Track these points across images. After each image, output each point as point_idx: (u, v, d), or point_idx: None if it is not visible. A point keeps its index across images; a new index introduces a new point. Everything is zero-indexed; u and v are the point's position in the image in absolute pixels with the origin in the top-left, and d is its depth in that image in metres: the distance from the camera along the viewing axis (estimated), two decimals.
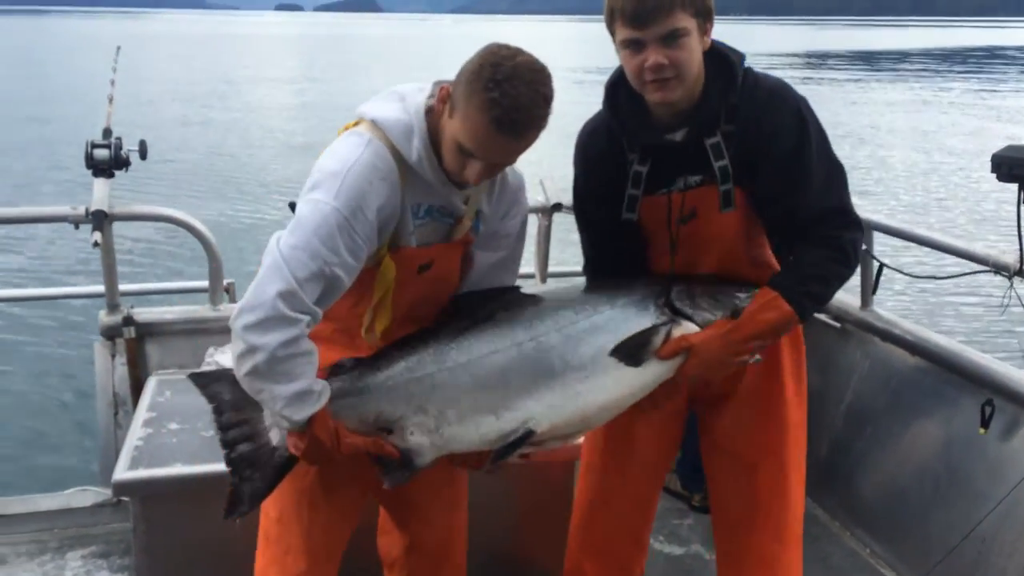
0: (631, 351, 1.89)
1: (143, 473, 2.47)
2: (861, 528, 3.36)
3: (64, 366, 6.29)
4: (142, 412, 2.84)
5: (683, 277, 2.01)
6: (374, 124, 1.86)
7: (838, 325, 3.70)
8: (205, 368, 3.12)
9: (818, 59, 58.48)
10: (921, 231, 3.41)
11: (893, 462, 3.32)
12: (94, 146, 3.14)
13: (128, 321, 3.24)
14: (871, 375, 3.53)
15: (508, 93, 1.70)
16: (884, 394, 3.44)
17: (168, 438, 2.66)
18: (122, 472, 2.48)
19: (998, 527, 2.84)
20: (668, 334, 1.91)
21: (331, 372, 1.91)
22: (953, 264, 3.09)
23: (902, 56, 63.61)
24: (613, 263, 2.12)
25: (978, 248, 2.98)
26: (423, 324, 2.01)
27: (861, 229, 1.99)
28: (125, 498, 3.06)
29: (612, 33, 1.89)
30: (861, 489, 3.43)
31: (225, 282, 3.40)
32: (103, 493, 3.25)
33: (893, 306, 6.01)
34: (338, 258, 1.76)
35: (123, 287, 3.37)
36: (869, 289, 3.54)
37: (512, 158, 1.84)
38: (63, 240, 9.08)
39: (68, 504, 3.24)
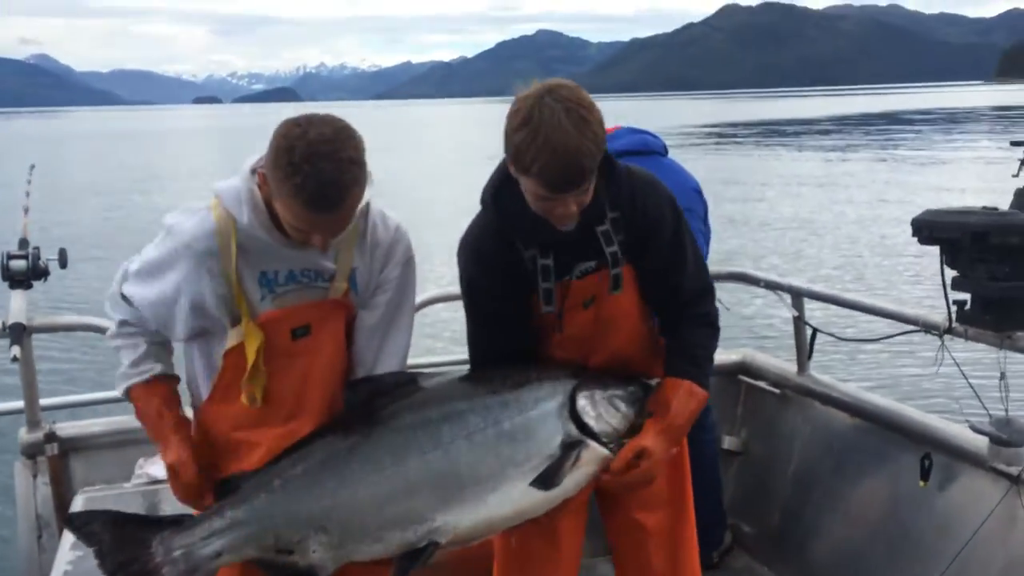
0: (547, 479, 1.90)
1: None
2: None
3: None
4: (68, 537, 2.66)
5: (582, 378, 2.04)
6: (217, 195, 1.94)
7: (777, 391, 3.74)
8: (117, 490, 2.96)
9: (729, 129, 60.87)
10: (851, 296, 3.50)
11: (844, 524, 3.33)
12: (10, 257, 3.03)
13: (50, 437, 3.07)
14: (813, 439, 3.56)
15: (310, 174, 1.72)
16: (828, 457, 3.47)
17: None
18: None
19: None
20: (578, 456, 1.93)
21: (219, 493, 1.88)
22: (885, 325, 3.16)
23: (806, 124, 66.63)
24: (506, 353, 2.12)
25: (908, 310, 3.05)
26: (322, 412, 1.98)
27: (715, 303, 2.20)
28: None
29: (515, 173, 1.88)
30: (815, 554, 3.42)
31: None
32: None
33: (830, 367, 6.12)
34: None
35: (45, 401, 3.20)
36: (805, 355, 3.59)
37: (344, 224, 1.86)
38: None
39: None
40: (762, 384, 3.81)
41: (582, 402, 1.97)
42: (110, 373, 2.14)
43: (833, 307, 3.58)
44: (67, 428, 3.14)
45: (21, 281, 3.03)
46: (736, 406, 3.96)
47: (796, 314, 3.51)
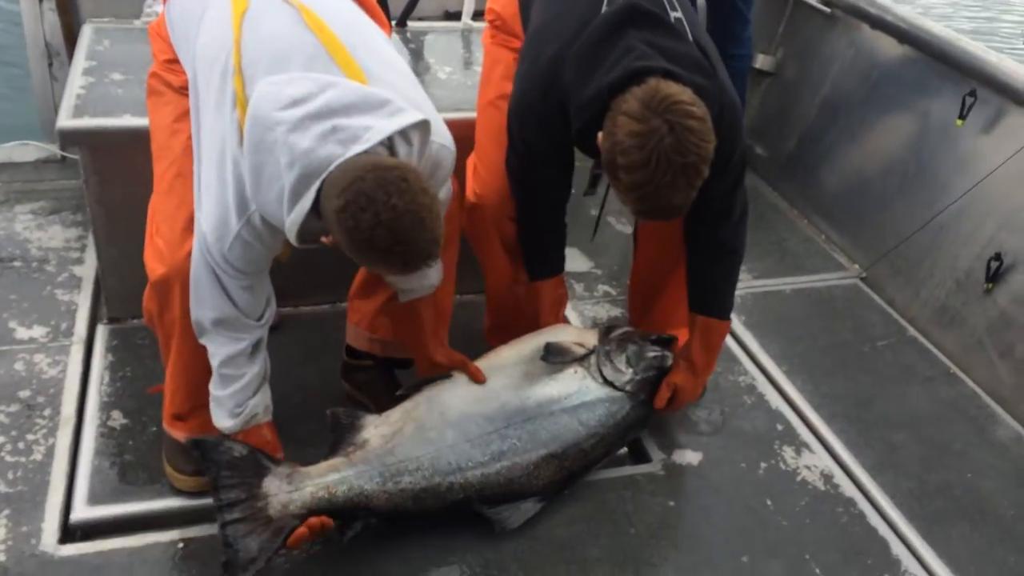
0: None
1: (90, 122, 2.28)
2: (819, 216, 3.41)
3: None
4: (80, 61, 2.59)
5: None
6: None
7: (827, 10, 3.49)
8: (127, 25, 2.81)
9: None
10: None
11: (862, 153, 3.30)
12: None
13: None
14: (853, 65, 3.40)
15: (404, 252, 1.47)
16: (864, 85, 3.33)
17: (112, 88, 2.44)
18: (66, 120, 2.28)
19: (957, 217, 2.88)
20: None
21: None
22: None
23: None
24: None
25: None
26: None
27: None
28: (72, 156, 2.90)
29: (604, 165, 1.75)
30: (824, 179, 3.44)
31: None
32: (46, 148, 3.08)
33: None
34: None
35: None
36: None
37: None
38: None
39: (9, 158, 3.08)
40: (811, 1, 3.55)
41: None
42: None
43: None
44: None
45: None
46: (779, 23, 3.73)
47: None
